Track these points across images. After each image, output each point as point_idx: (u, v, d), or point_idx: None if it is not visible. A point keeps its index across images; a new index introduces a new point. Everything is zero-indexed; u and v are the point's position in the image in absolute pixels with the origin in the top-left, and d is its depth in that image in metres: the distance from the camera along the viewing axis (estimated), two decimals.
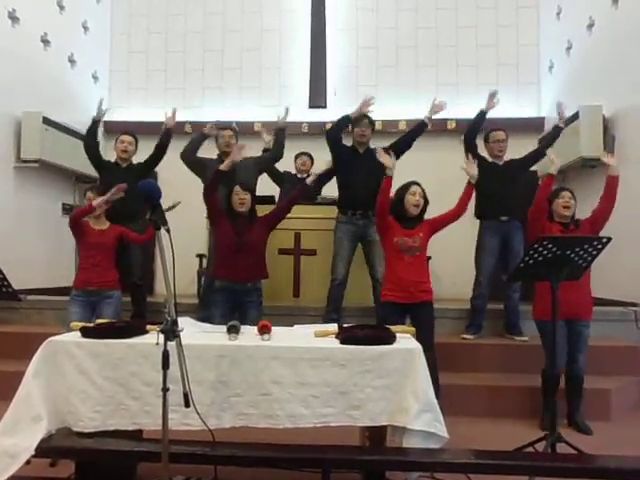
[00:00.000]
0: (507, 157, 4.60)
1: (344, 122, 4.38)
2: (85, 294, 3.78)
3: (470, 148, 4.45)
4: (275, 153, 4.74)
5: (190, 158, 4.61)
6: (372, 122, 4.39)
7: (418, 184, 3.53)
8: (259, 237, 3.71)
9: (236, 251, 3.61)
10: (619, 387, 3.94)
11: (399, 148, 4.32)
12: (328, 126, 6.60)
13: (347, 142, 4.50)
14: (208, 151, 4.76)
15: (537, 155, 4.54)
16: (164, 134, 4.54)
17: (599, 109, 5.28)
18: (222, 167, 3.76)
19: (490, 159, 4.52)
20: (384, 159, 3.56)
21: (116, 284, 3.88)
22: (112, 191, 3.79)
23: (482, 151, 4.60)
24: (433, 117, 4.42)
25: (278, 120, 4.73)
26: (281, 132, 4.72)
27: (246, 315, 3.56)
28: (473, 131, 4.51)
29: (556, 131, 4.51)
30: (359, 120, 4.33)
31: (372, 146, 4.41)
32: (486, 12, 7.02)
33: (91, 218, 3.86)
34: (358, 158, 4.35)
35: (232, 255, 3.63)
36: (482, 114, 4.48)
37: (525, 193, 3.53)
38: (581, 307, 3.40)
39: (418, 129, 4.42)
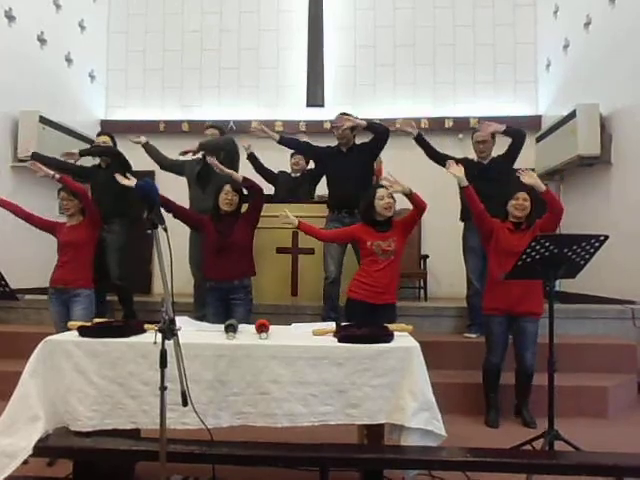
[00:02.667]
0: (496, 154, 4.56)
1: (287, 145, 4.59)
2: (57, 292, 3.79)
3: (440, 161, 4.42)
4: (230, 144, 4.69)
5: (164, 165, 4.74)
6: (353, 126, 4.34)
7: (382, 186, 3.51)
8: (242, 235, 3.71)
9: (220, 251, 3.63)
10: (616, 385, 3.95)
11: (375, 146, 4.36)
12: (326, 125, 6.70)
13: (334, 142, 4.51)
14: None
15: (512, 151, 4.48)
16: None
17: (596, 107, 5.29)
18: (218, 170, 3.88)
19: (475, 159, 4.51)
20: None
21: (86, 282, 3.79)
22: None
23: (464, 150, 4.59)
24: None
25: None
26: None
27: (235, 312, 3.57)
28: (427, 150, 4.52)
29: (507, 134, 4.41)
30: (337, 121, 4.35)
31: (357, 142, 4.40)
32: (483, 11, 7.02)
33: (67, 217, 3.85)
34: (342, 157, 4.37)
35: (217, 255, 3.65)
36: (416, 139, 4.46)
37: (508, 191, 3.54)
38: (525, 303, 3.41)
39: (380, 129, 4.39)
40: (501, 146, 4.49)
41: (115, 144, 4.66)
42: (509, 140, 4.39)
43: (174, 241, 1.98)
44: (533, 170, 6.26)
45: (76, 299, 3.74)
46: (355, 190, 3.96)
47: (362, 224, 3.60)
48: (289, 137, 4.74)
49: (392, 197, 3.51)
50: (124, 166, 4.41)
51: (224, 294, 3.70)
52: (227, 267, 3.64)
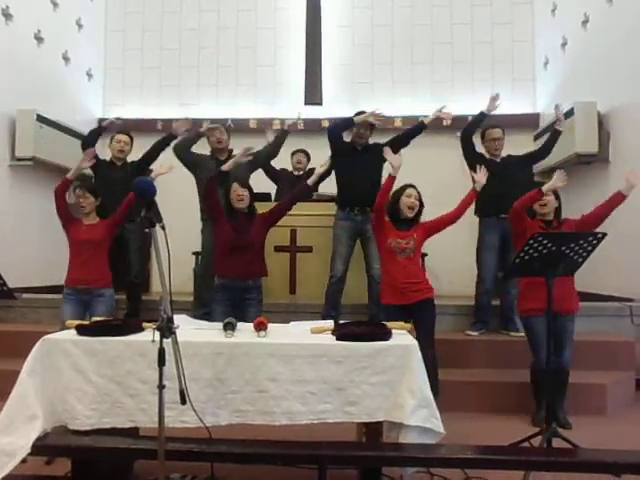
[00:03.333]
0: (503, 153, 4.60)
1: (347, 124, 4.39)
2: (76, 292, 3.75)
3: (467, 146, 4.47)
4: (271, 151, 4.75)
5: (184, 154, 4.61)
6: (372, 123, 4.37)
7: (414, 187, 3.56)
8: (258, 235, 3.73)
9: (235, 249, 3.63)
10: (614, 382, 3.96)
11: (394, 147, 4.33)
12: (325, 123, 6.69)
13: (347, 138, 4.50)
14: (200, 147, 4.74)
15: (536, 158, 4.56)
16: (167, 138, 4.52)
17: (594, 105, 5.29)
18: (224, 167, 3.80)
19: (488, 156, 4.52)
20: (391, 158, 3.58)
21: (108, 282, 3.81)
22: (83, 158, 3.90)
23: (479, 148, 4.61)
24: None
25: (290, 120, 4.79)
26: (284, 133, 4.75)
27: (246, 312, 3.57)
28: (470, 130, 4.53)
29: (555, 135, 4.48)
30: (360, 114, 4.35)
31: (370, 142, 4.42)
32: (481, 9, 7.02)
33: (82, 215, 3.83)
34: (356, 155, 4.36)
35: (232, 253, 3.64)
36: (482, 115, 4.48)
37: (523, 190, 3.57)
38: (565, 301, 3.40)
39: (416, 130, 4.43)
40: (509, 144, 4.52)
41: (132, 143, 4.63)
42: (514, 138, 4.42)
43: (172, 239, 1.97)
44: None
45: (99, 299, 3.72)
46: (368, 189, 3.94)
47: (388, 220, 3.59)
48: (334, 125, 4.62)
49: (420, 200, 3.54)
50: (145, 168, 4.49)
51: (237, 293, 3.69)
52: (242, 266, 3.63)
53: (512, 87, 6.90)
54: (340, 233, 4.36)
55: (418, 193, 3.56)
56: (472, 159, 4.45)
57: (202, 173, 4.48)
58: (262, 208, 4.00)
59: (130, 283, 4.45)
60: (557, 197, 3.50)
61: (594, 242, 2.86)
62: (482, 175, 3.71)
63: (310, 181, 3.88)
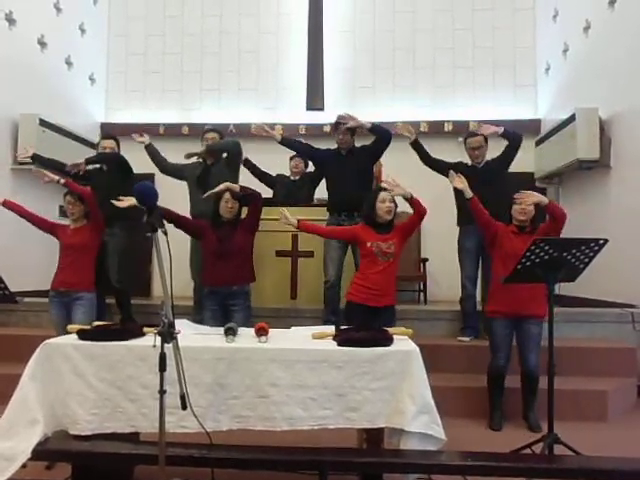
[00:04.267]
0: (490, 158, 4.56)
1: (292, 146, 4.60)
2: (58, 295, 3.78)
3: (436, 167, 4.47)
4: (235, 148, 4.66)
5: (165, 169, 4.76)
6: (350, 127, 4.31)
7: (386, 190, 3.54)
8: (242, 241, 3.72)
9: (220, 256, 3.64)
10: (616, 388, 3.95)
11: (377, 148, 4.36)
12: (326, 128, 6.71)
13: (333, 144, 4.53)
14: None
15: (510, 152, 4.45)
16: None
17: (595, 111, 5.30)
18: (204, 197, 3.85)
19: (469, 163, 4.52)
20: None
21: (89, 286, 3.79)
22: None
23: (463, 154, 4.59)
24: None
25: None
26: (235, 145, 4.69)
27: (233, 319, 3.54)
28: (423, 158, 4.53)
29: (505, 136, 4.39)
30: (337, 127, 4.35)
31: (357, 145, 4.42)
32: (483, 14, 7.03)
33: (70, 220, 3.85)
34: (341, 160, 4.39)
35: (216, 261, 3.66)
36: (412, 145, 4.48)
37: (508, 192, 3.57)
38: (531, 305, 3.41)
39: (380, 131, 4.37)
40: (495, 149, 4.50)
41: (119, 147, 4.65)
42: (504, 144, 4.39)
43: (174, 244, 1.98)
44: (532, 175, 6.30)
45: (78, 302, 3.73)
46: (354, 193, 3.97)
47: (363, 225, 3.63)
48: (291, 138, 4.75)
49: (394, 201, 3.54)
50: (126, 171, 4.42)
51: (222, 299, 3.70)
52: (226, 273, 3.64)
53: (514, 93, 6.92)
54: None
55: (391, 196, 3.54)
56: (440, 169, 4.45)
57: (187, 179, 4.64)
58: (265, 214, 3.98)
59: (113, 289, 4.44)
60: (535, 205, 3.47)
61: (596, 248, 2.86)
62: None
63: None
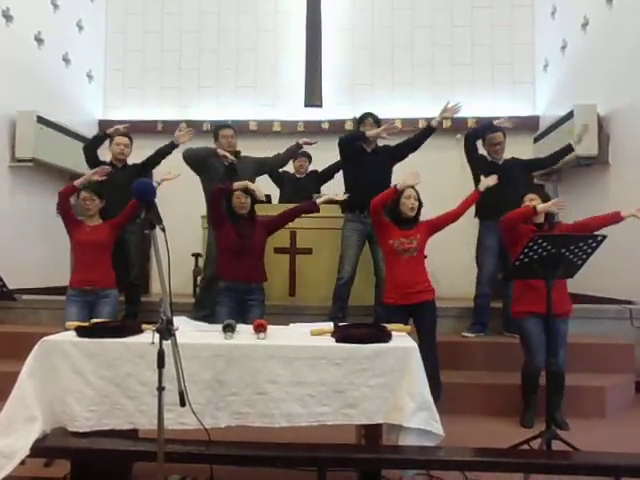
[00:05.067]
0: (506, 155, 4.60)
1: (357, 138, 4.40)
2: (81, 294, 3.76)
3: (470, 149, 4.51)
4: (280, 161, 4.80)
5: (194, 161, 4.62)
6: (378, 122, 4.39)
7: (412, 187, 3.58)
8: (260, 239, 3.80)
9: (239, 252, 3.69)
10: (614, 384, 3.96)
11: (403, 151, 4.38)
12: (325, 125, 6.71)
13: None
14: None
15: (542, 166, 4.60)
16: (169, 147, 4.53)
17: (594, 108, 5.29)
18: (235, 186, 3.79)
19: (489, 158, 4.54)
20: (411, 181, 3.60)
21: (112, 283, 3.85)
22: (95, 170, 3.90)
23: (480, 149, 4.61)
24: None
25: (303, 140, 4.76)
26: (297, 148, 4.76)
27: (250, 314, 3.61)
28: (475, 136, 4.56)
29: (567, 150, 4.50)
30: (364, 120, 4.37)
31: (380, 144, 4.43)
32: (481, 11, 7.03)
33: (85, 217, 3.85)
34: (366, 157, 4.37)
35: (235, 256, 3.70)
36: (491, 126, 4.49)
37: (522, 193, 3.59)
38: (559, 303, 3.40)
39: (425, 134, 4.43)
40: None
41: (132, 144, 4.63)
42: (510, 140, 4.43)
43: (172, 240, 1.97)
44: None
45: (104, 300, 3.75)
46: (377, 191, 3.94)
47: (390, 220, 3.62)
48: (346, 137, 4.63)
49: (419, 199, 3.57)
50: (146, 170, 4.51)
51: (240, 295, 3.74)
52: (245, 269, 3.69)
53: (512, 89, 6.91)
54: (349, 235, 4.36)
55: (417, 192, 3.59)
56: (475, 162, 4.50)
57: (210, 176, 4.49)
58: (262, 210, 4.00)
59: (130, 285, 4.45)
60: (544, 201, 3.48)
61: (594, 245, 2.87)
62: (491, 179, 3.76)
63: (319, 201, 3.89)
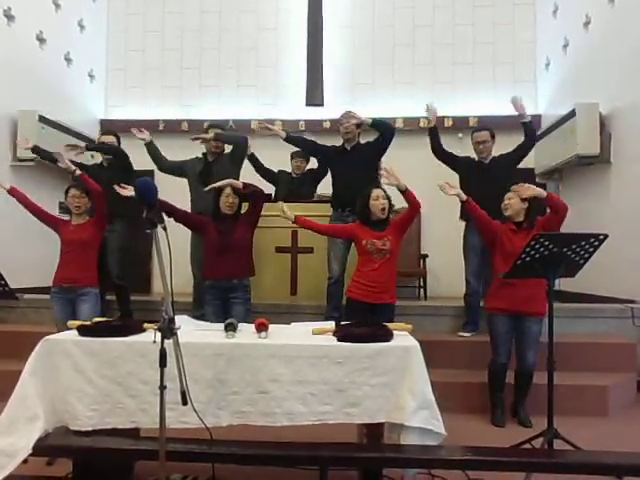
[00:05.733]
0: (498, 154, 4.56)
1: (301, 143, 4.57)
2: (62, 291, 3.78)
3: (439, 154, 4.50)
4: (239, 144, 4.63)
5: (164, 167, 4.71)
6: (357, 123, 4.33)
7: (379, 187, 3.59)
8: (242, 236, 3.75)
9: (221, 250, 3.67)
10: (616, 384, 3.96)
11: (381, 144, 4.34)
12: (325, 124, 6.71)
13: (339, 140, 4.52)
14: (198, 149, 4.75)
15: (525, 149, 4.46)
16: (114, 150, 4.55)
17: (595, 107, 5.28)
18: (206, 189, 3.85)
19: (476, 158, 4.52)
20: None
21: (92, 281, 3.80)
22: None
23: (470, 150, 4.59)
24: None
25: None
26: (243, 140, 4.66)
27: (233, 311, 3.60)
28: (433, 143, 4.53)
29: (526, 126, 4.41)
30: (342, 118, 4.37)
31: (362, 141, 4.42)
32: (483, 10, 7.02)
33: (74, 215, 3.85)
34: (346, 155, 4.38)
35: (217, 255, 3.69)
36: (430, 130, 4.51)
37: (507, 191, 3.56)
38: (531, 303, 3.40)
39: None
40: (500, 145, 4.49)
41: (119, 144, 4.65)
42: (509, 140, 4.38)
43: (174, 240, 1.97)
44: (533, 170, 6.29)
45: (83, 298, 3.74)
46: (359, 189, 3.95)
47: (359, 223, 3.63)
48: (295, 135, 4.72)
49: (387, 198, 3.56)
50: (126, 168, 4.42)
51: (223, 293, 3.72)
52: (227, 266, 3.67)
53: (513, 88, 6.87)
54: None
55: (385, 192, 3.58)
56: (452, 164, 4.50)
57: (190, 176, 4.59)
58: (265, 210, 3.99)
59: (114, 285, 4.44)
60: (527, 199, 3.43)
61: (595, 243, 2.86)
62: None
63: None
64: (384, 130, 4.29)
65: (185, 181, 4.69)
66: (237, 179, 4.14)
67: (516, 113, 4.30)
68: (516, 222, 3.50)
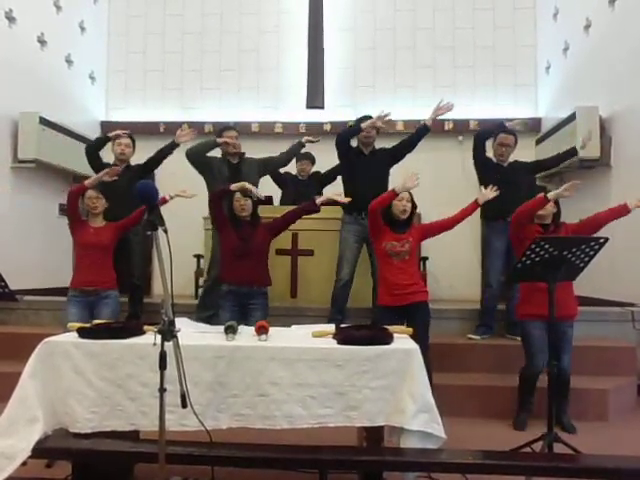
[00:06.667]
0: (510, 158, 4.60)
1: (354, 132, 4.40)
2: (82, 294, 3.77)
3: (478, 149, 4.52)
4: (284, 160, 4.80)
5: (197, 158, 4.61)
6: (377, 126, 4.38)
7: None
8: (261, 242, 3.79)
9: (241, 256, 3.69)
10: (616, 387, 3.95)
11: (400, 152, 4.36)
12: (327, 127, 6.72)
13: (353, 144, 4.52)
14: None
15: (544, 167, 4.57)
16: (169, 146, 4.53)
17: (596, 110, 5.29)
18: (233, 187, 3.80)
19: (495, 160, 4.54)
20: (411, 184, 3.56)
21: (113, 284, 3.86)
22: (106, 171, 3.91)
23: (489, 149, 4.60)
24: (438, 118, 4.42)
25: (306, 139, 4.75)
26: (300, 146, 4.77)
27: (252, 317, 3.60)
28: (485, 136, 4.56)
29: (570, 153, 4.51)
30: (362, 121, 4.35)
31: (377, 146, 4.43)
32: (483, 13, 7.03)
33: (90, 217, 3.86)
34: (363, 159, 4.38)
35: (237, 260, 3.70)
36: (502, 126, 4.52)
37: (528, 195, 3.58)
38: (564, 307, 3.38)
39: (420, 133, 4.39)
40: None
41: (134, 145, 4.63)
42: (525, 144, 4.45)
43: (174, 242, 1.97)
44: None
45: (105, 301, 3.76)
46: (376, 193, 3.95)
47: (383, 223, 3.62)
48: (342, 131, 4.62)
49: (412, 201, 3.57)
50: (150, 171, 4.56)
51: (242, 298, 3.73)
52: (247, 272, 3.69)
53: (514, 91, 6.91)
54: (347, 237, 4.37)
55: (410, 195, 3.58)
56: (481, 162, 4.52)
57: (214, 176, 4.48)
58: (264, 212, 4.01)
59: (132, 286, 4.45)
60: (556, 202, 3.48)
61: (596, 247, 2.86)
62: (491, 192, 3.69)
63: (318, 201, 3.84)
64: (417, 140, 4.34)
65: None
66: (257, 182, 4.17)
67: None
68: (543, 224, 3.48)
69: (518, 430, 3.52)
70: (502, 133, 4.55)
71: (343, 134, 4.47)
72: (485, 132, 4.62)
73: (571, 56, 6.13)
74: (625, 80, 4.95)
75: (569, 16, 6.15)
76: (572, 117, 5.41)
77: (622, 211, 3.40)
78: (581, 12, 5.78)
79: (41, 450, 2.29)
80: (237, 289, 3.73)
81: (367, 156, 4.38)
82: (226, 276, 3.79)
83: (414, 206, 3.61)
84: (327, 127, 6.79)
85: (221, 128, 4.77)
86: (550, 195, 3.39)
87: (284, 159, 4.79)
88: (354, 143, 4.48)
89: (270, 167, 4.77)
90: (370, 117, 4.37)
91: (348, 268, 4.27)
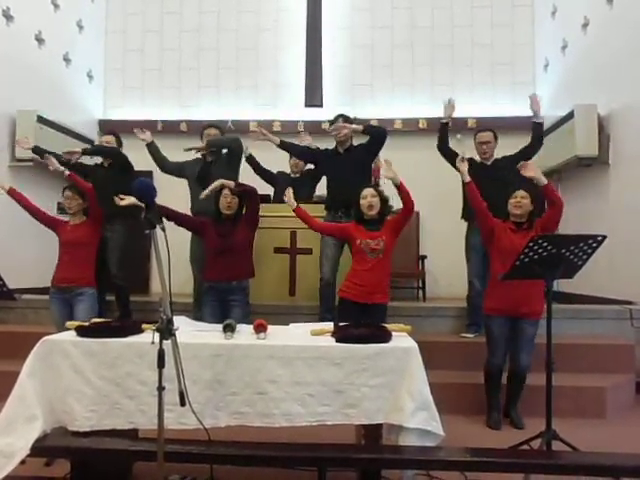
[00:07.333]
0: (500, 155, 4.57)
1: (444, 131, 4.50)
2: (59, 291, 3.80)
3: (446, 155, 4.48)
4: (237, 144, 4.67)
5: (166, 168, 4.74)
6: (348, 120, 4.39)
7: (369, 186, 3.64)
8: (242, 237, 3.77)
9: (220, 252, 3.69)
10: (614, 385, 3.96)
11: (373, 146, 4.35)
12: (324, 125, 6.70)
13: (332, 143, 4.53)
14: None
15: (529, 152, 4.47)
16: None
17: (594, 108, 5.29)
18: (202, 197, 3.89)
19: (479, 159, 4.52)
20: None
21: (89, 281, 3.82)
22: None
23: (472, 151, 4.58)
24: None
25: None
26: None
27: (231, 314, 3.57)
28: (441, 142, 4.53)
29: (536, 127, 4.41)
30: (335, 120, 4.39)
31: (355, 143, 4.43)
32: (481, 11, 7.03)
33: (69, 215, 3.88)
34: (339, 158, 4.39)
35: (217, 257, 3.70)
36: (442, 126, 4.52)
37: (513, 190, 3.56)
38: (526, 304, 3.40)
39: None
40: (502, 147, 4.49)
41: (120, 144, 4.65)
42: (513, 142, 4.38)
43: (172, 241, 1.97)
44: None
45: (80, 298, 3.75)
46: (352, 191, 3.97)
47: (355, 222, 3.66)
48: (289, 142, 4.70)
49: (380, 197, 3.58)
50: (125, 168, 4.42)
51: (222, 295, 3.72)
52: (226, 268, 3.67)
53: (512, 90, 6.90)
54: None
55: (376, 191, 3.59)
56: (445, 153, 4.50)
57: (190, 177, 4.61)
58: (263, 212, 4.01)
59: (114, 285, 4.44)
60: (533, 201, 3.46)
61: (594, 245, 2.86)
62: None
63: (217, 184, 3.81)
64: (375, 135, 4.31)
65: (185, 181, 4.70)
66: (236, 180, 4.14)
67: (530, 113, 4.30)
68: (517, 222, 3.50)
69: (493, 429, 3.53)
70: (479, 132, 4.55)
71: (440, 140, 4.52)
72: (439, 139, 4.55)
73: (569, 54, 6.13)
74: (623, 78, 4.95)
75: (567, 14, 6.15)
76: (570, 115, 5.42)
77: (545, 191, 3.38)
78: (579, 10, 5.78)
79: (40, 448, 2.30)
80: (216, 285, 3.73)
81: (342, 154, 4.39)
82: (207, 273, 3.80)
83: (384, 201, 3.61)
84: (325, 125, 6.77)
85: (203, 125, 4.81)
86: (466, 179, 3.58)
87: (231, 142, 4.63)
88: (332, 144, 4.49)
89: (231, 158, 4.57)
90: (342, 115, 4.42)
91: (328, 266, 4.27)
